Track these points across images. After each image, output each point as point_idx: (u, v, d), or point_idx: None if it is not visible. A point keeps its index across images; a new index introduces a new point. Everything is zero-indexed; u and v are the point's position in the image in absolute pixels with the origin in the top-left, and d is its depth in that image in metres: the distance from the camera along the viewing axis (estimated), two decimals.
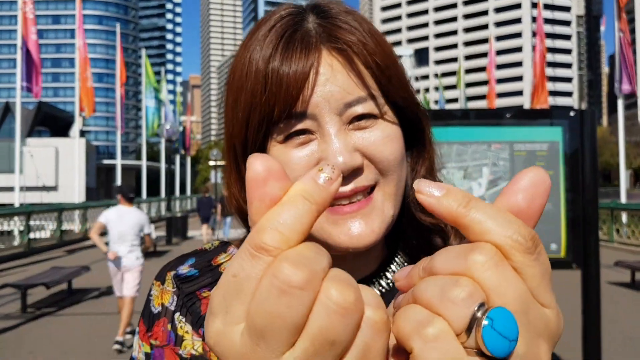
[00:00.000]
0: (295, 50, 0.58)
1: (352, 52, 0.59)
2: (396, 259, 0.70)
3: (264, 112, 0.59)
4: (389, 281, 0.68)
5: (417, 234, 0.69)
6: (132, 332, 6.25)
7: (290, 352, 0.28)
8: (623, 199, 16.97)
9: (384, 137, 0.61)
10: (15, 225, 14.88)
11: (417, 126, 0.67)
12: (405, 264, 0.70)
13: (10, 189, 43.07)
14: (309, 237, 0.31)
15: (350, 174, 0.59)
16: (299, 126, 0.59)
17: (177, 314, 0.65)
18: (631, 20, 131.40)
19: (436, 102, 39.59)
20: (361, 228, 0.59)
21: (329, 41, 0.60)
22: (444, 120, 4.55)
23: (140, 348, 0.66)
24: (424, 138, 0.69)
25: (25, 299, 7.89)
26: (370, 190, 0.61)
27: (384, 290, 0.68)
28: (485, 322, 0.29)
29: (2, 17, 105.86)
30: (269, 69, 0.58)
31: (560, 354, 5.70)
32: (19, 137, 17.65)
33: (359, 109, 0.60)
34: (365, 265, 0.59)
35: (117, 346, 5.95)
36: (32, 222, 15.10)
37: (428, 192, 0.32)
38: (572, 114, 4.49)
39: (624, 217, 15.41)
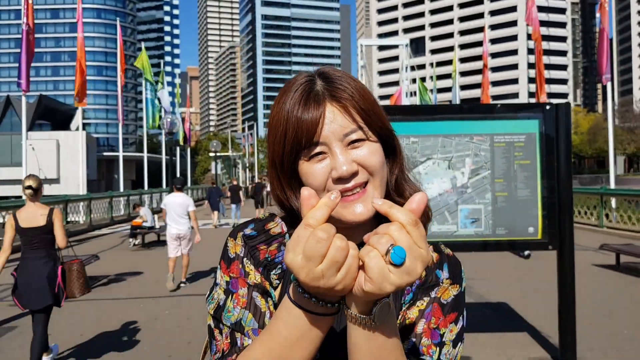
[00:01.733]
0: (310, 104, 0.92)
1: (346, 103, 0.94)
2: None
3: (294, 142, 0.92)
4: None
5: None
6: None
7: (320, 266, 0.71)
8: (612, 184, 17.41)
9: (370, 152, 0.93)
10: None
11: (390, 143, 1.02)
12: None
13: (12, 181, 43.60)
14: (329, 219, 0.74)
15: (351, 176, 0.91)
16: (317, 150, 0.92)
17: (245, 259, 1.01)
18: (625, 8, 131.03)
19: (431, 90, 39.66)
20: (360, 209, 0.91)
21: (331, 97, 0.92)
22: (430, 114, 4.97)
23: (222, 278, 1.01)
24: (396, 150, 1.03)
25: None
26: (364, 185, 0.92)
27: None
28: (391, 250, 0.70)
29: (2, 11, 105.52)
30: (296, 116, 0.92)
31: (541, 327, 6.16)
32: (24, 130, 18.01)
33: (353, 136, 0.92)
34: (363, 232, 0.85)
35: (183, 285, 9.06)
36: None
37: (377, 204, 0.76)
38: (547, 107, 4.92)
39: (614, 202, 15.85)
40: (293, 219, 1.01)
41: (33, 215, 4.85)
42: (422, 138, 4.76)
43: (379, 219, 0.85)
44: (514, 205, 4.85)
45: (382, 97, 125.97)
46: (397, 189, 1.01)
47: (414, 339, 0.95)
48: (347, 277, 0.73)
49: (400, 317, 0.97)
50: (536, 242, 4.96)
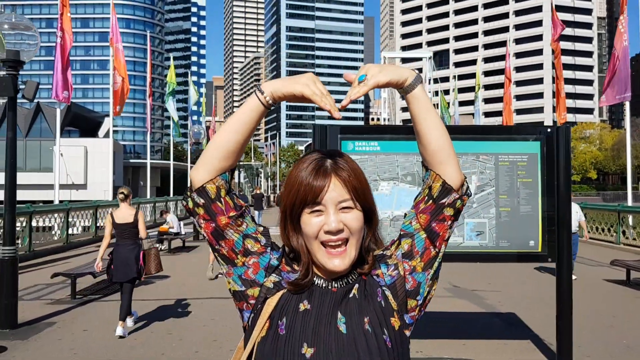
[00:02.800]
0: (319, 175, 1.23)
1: (344, 179, 1.24)
2: (354, 271, 1.31)
3: (303, 199, 1.23)
4: (353, 276, 1.29)
5: (362, 259, 1.31)
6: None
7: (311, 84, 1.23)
8: (630, 201, 17.56)
9: (353, 217, 1.24)
10: (55, 221, 15.95)
11: (370, 211, 1.34)
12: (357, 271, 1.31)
13: (42, 186, 44.77)
14: (320, 270, 1.25)
15: (337, 232, 1.21)
16: (317, 208, 1.23)
17: (271, 256, 1.31)
18: None
19: (452, 104, 39.95)
20: (339, 263, 1.23)
21: (334, 172, 1.24)
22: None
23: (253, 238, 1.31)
24: (373, 217, 1.30)
25: (75, 286, 8.88)
26: (345, 242, 1.23)
27: (349, 281, 1.29)
28: (361, 77, 1.22)
29: (34, 19, 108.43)
30: (308, 181, 1.23)
31: (543, 335, 6.51)
32: (58, 136, 18.81)
33: (344, 204, 1.23)
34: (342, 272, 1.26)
35: (220, 274, 9.63)
36: (70, 219, 16.22)
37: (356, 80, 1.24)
38: (549, 130, 5.32)
39: (630, 219, 16.00)
40: (294, 254, 1.33)
41: (124, 215, 6.81)
42: None
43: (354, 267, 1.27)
44: (516, 220, 5.24)
45: (405, 109, 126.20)
46: (367, 249, 1.31)
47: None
48: (315, 95, 1.21)
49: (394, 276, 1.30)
50: (536, 254, 5.34)
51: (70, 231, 16.34)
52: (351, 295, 1.25)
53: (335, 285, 1.27)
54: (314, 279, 1.28)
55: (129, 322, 6.87)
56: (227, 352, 5.70)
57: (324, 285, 1.27)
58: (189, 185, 1.30)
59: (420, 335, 6.47)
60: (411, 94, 1.26)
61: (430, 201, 1.29)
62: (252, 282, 1.29)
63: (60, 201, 18.65)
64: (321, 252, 1.24)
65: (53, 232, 16.25)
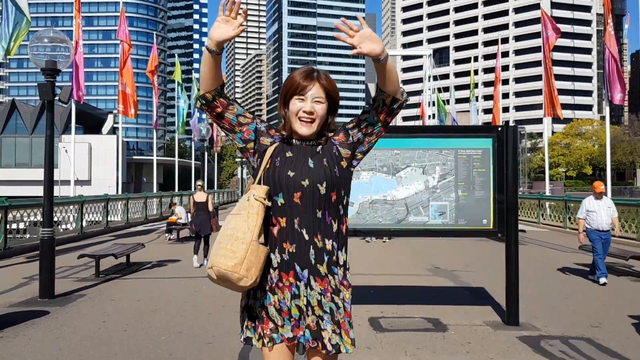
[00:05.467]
0: (307, 78, 2.15)
1: (322, 84, 2.16)
2: (318, 140, 2.27)
3: (295, 90, 2.14)
4: (316, 141, 2.24)
5: (322, 134, 2.27)
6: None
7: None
8: (609, 194, 18.70)
9: (321, 107, 2.15)
10: (70, 212, 17.12)
11: (335, 107, 2.36)
12: None
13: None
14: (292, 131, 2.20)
15: (310, 113, 2.13)
16: (301, 97, 2.13)
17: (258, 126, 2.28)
18: None
19: (447, 101, 40.98)
20: (307, 131, 2.15)
21: (317, 79, 2.16)
22: (410, 133, 6.55)
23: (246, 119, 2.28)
24: (334, 112, 2.23)
25: (99, 266, 10.04)
26: (313, 121, 2.14)
27: (314, 143, 2.24)
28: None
29: (40, 18, 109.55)
30: (299, 80, 2.14)
31: (504, 304, 7.64)
32: (73, 131, 20.00)
33: (318, 99, 2.14)
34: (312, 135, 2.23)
35: None
36: (84, 211, 17.39)
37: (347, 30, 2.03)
38: (499, 129, 6.46)
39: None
40: (284, 125, 2.22)
41: (200, 197, 11.38)
42: (403, 150, 6.35)
43: (318, 137, 2.19)
44: (472, 203, 6.39)
45: (406, 106, 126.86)
46: (328, 127, 2.22)
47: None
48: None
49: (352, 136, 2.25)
50: (489, 230, 6.50)
51: (84, 223, 17.51)
52: (317, 150, 2.19)
53: (306, 144, 2.19)
54: (293, 140, 2.20)
55: (195, 262, 11.13)
56: (235, 314, 6.82)
57: (298, 143, 2.20)
58: (199, 95, 2.21)
59: (397, 302, 7.64)
60: (384, 63, 2.04)
61: (385, 107, 2.19)
62: (247, 140, 2.25)
63: (75, 195, 19.82)
64: (297, 123, 2.15)
65: (68, 223, 17.40)
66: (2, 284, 9.19)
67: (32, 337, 5.99)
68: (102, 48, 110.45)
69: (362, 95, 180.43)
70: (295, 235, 2.10)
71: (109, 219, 19.52)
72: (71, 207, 17.00)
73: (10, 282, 9.28)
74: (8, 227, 12.87)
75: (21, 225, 14.47)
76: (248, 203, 2.08)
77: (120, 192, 30.37)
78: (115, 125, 63.93)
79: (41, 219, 15.25)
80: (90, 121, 62.92)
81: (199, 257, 11.17)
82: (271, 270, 2.14)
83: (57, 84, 8.01)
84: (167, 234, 16.53)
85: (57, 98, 8.18)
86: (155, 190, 30.92)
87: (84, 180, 50.19)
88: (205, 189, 23.98)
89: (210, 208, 11.31)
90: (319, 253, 2.12)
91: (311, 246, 2.10)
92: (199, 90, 2.21)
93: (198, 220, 11.24)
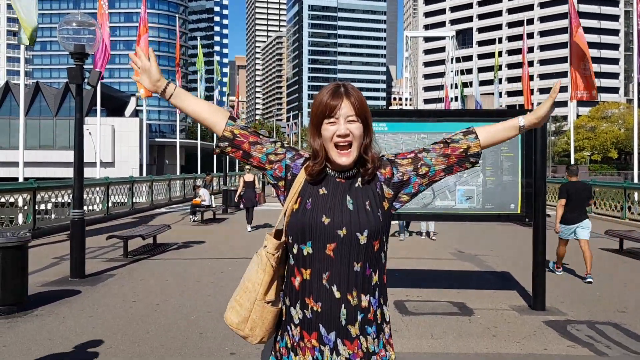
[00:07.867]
0: (335, 97, 1.76)
1: (351, 100, 1.76)
2: (357, 167, 1.85)
3: (323, 113, 1.76)
4: (355, 170, 1.83)
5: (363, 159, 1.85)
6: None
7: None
8: (636, 179, 18.45)
9: (356, 127, 1.76)
10: (97, 194, 17.38)
11: (368, 125, 1.80)
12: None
13: (71, 164, 46.71)
14: (327, 161, 1.81)
15: (345, 136, 1.73)
16: (332, 120, 1.75)
17: (287, 155, 1.91)
18: None
19: (470, 83, 40.46)
20: (345, 160, 1.76)
21: (345, 95, 1.76)
22: (438, 117, 6.52)
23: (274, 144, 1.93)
24: (369, 129, 1.81)
25: (127, 247, 10.23)
26: (350, 146, 1.75)
27: (352, 174, 1.84)
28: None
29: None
30: (327, 101, 1.76)
31: (529, 288, 7.63)
32: (99, 113, 20.14)
33: (350, 118, 1.75)
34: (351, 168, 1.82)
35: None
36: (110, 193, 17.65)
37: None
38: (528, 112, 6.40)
39: (636, 195, 16.91)
40: (314, 154, 1.83)
41: (249, 177, 14.51)
42: (430, 134, 6.33)
43: (358, 165, 1.80)
44: (499, 187, 6.38)
45: (427, 89, 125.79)
46: (365, 151, 1.81)
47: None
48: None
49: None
50: (516, 215, 6.49)
51: (110, 204, 17.78)
52: (356, 185, 1.82)
53: (343, 176, 1.83)
54: (327, 170, 1.83)
55: (249, 228, 14.29)
56: None
57: (334, 175, 1.83)
58: (217, 142, 1.99)
59: (422, 286, 7.68)
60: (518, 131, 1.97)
61: (464, 154, 1.89)
62: (279, 178, 1.91)
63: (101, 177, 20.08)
64: (334, 152, 1.78)
65: (94, 205, 17.67)
66: (33, 263, 9.40)
67: (66, 316, 6.16)
68: (124, 30, 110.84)
69: (383, 77, 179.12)
70: (322, 292, 1.75)
71: (133, 200, 19.77)
72: (97, 188, 17.25)
73: (42, 262, 9.50)
74: (36, 207, 13.13)
75: (48, 207, 14.73)
76: (258, 256, 1.84)
77: (144, 174, 30.71)
78: (138, 108, 64.51)
79: (68, 200, 15.78)
80: (113, 103, 63.45)
81: (250, 225, 14.51)
82: (292, 326, 1.81)
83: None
84: (191, 216, 16.74)
85: (85, 81, 8.28)
86: (178, 173, 31.23)
87: (108, 162, 50.79)
88: (228, 171, 24.68)
89: (257, 185, 14.73)
90: (351, 312, 1.75)
91: (342, 305, 1.74)
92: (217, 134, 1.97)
93: (247, 195, 14.28)
